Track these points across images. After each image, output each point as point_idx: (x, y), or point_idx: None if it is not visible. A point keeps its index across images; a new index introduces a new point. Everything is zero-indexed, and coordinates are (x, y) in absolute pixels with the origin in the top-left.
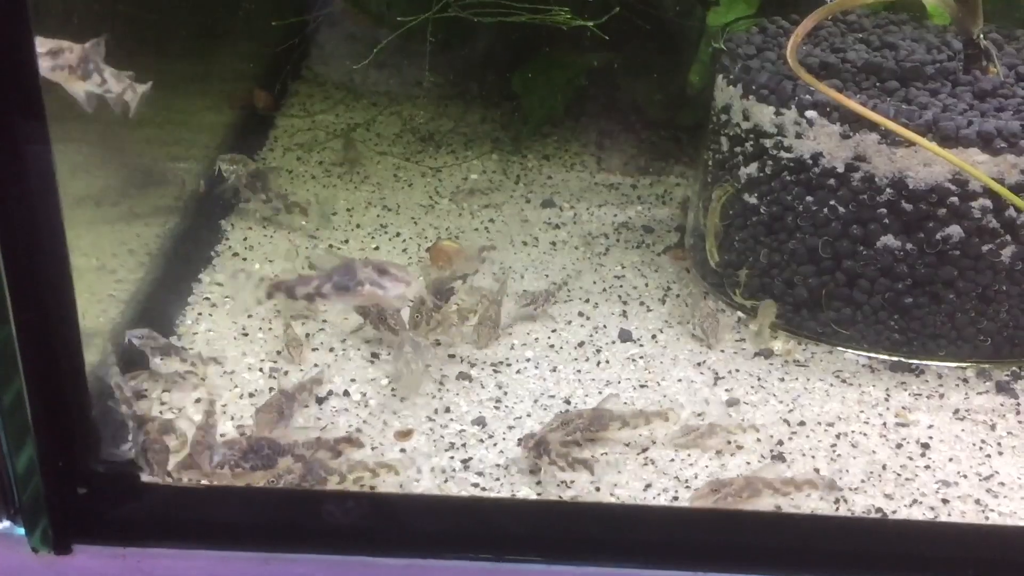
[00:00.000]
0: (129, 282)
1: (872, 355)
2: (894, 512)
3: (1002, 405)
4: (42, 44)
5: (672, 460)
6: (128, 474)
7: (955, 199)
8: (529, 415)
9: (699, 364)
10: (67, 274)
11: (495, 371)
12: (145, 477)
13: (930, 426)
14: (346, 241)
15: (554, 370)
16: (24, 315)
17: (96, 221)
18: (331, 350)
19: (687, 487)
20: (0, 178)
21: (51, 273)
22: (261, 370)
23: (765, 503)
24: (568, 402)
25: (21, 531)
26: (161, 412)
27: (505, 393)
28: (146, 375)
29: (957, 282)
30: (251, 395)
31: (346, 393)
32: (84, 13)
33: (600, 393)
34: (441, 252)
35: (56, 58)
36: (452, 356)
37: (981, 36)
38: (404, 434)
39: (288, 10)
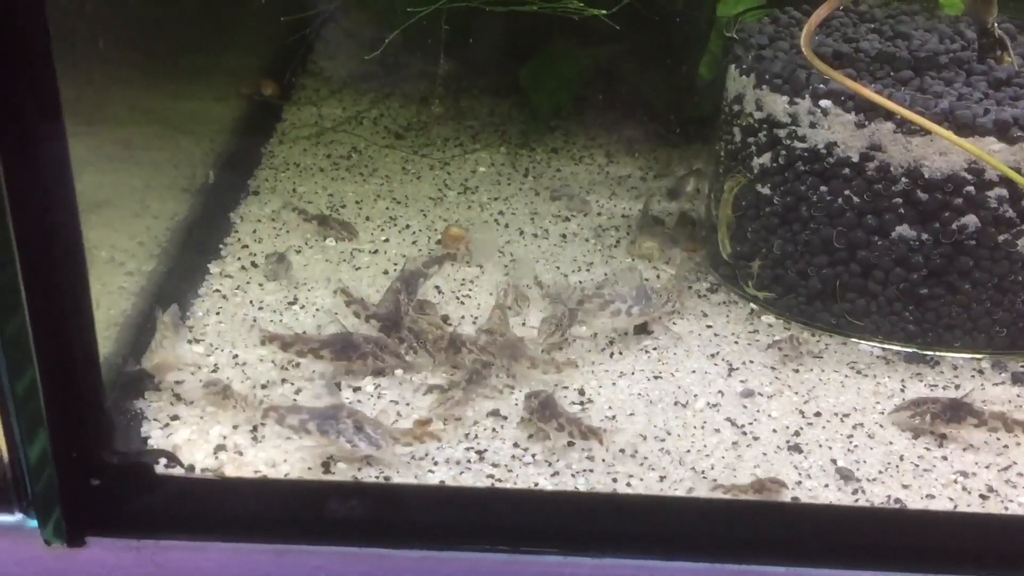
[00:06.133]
0: (140, 275)
1: (887, 346)
2: (912, 503)
3: (1018, 396)
4: None
5: (688, 451)
6: (142, 466)
7: (971, 188)
8: None
9: (713, 355)
10: (82, 263)
11: None
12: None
13: None
14: (356, 234)
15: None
16: (38, 304)
17: (106, 214)
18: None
19: (704, 478)
20: (15, 167)
21: (66, 262)
22: (273, 362)
23: None
24: (582, 392)
25: (34, 523)
26: None
27: (516, 387)
28: None
29: (973, 272)
30: (263, 386)
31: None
32: (98, 7)
33: (614, 384)
34: (451, 236)
35: None
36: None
37: (995, 25)
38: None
39: (294, 5)
